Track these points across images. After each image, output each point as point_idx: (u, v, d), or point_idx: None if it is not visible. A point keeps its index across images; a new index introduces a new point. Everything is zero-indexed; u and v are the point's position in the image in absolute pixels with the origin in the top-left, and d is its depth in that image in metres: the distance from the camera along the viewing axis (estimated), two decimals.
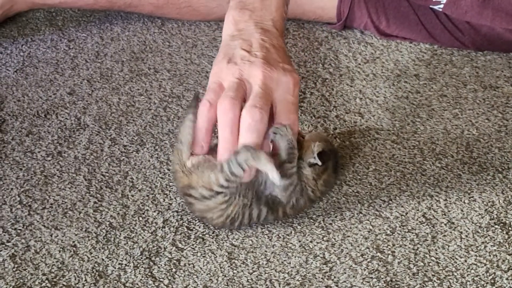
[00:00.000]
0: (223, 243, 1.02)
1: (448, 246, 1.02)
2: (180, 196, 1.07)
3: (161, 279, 0.97)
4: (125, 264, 1.00)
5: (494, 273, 0.98)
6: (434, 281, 0.97)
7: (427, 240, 1.03)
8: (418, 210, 1.07)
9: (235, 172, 0.96)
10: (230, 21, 1.06)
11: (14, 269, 0.99)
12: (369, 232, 1.04)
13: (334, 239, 1.03)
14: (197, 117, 0.99)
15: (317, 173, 1.02)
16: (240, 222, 1.02)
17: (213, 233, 1.04)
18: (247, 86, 0.98)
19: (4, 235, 1.04)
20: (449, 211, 1.07)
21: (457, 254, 1.01)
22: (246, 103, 0.97)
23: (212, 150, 1.01)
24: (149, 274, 0.98)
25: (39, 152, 1.19)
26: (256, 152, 0.95)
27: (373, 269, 0.99)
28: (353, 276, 0.98)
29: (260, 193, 1.00)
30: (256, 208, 1.01)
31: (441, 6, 1.39)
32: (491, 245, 1.02)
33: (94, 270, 0.99)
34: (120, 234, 1.04)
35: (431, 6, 1.40)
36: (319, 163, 1.01)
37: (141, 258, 1.00)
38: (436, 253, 1.01)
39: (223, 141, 0.97)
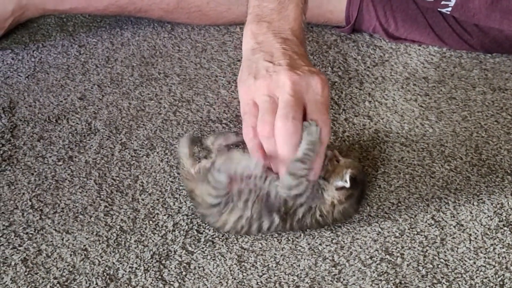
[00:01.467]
0: (233, 246, 1.03)
1: (457, 248, 1.02)
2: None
3: (171, 282, 0.98)
4: (136, 268, 1.00)
5: (503, 275, 0.98)
6: (443, 283, 0.97)
7: (436, 242, 1.03)
8: (427, 212, 1.08)
9: (219, 179, 0.98)
10: (248, 35, 1.06)
11: (26, 273, 1.00)
12: (378, 234, 1.04)
13: (343, 241, 1.03)
14: (247, 144, 1.00)
15: (340, 199, 1.01)
16: (247, 233, 1.03)
17: (222, 236, 1.04)
18: (278, 98, 0.98)
19: (16, 239, 1.05)
20: (458, 213, 1.07)
21: (466, 256, 1.01)
22: (278, 110, 0.97)
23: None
24: (159, 277, 0.99)
25: (50, 157, 1.20)
26: (229, 154, 0.98)
27: (382, 272, 0.99)
28: (362, 278, 0.98)
29: (271, 205, 1.00)
30: (267, 220, 1.01)
31: (449, 9, 1.39)
32: (500, 247, 1.02)
33: (105, 273, 1.00)
34: (131, 237, 1.05)
35: (439, 9, 1.40)
36: (348, 185, 1.00)
37: (152, 261, 1.01)
38: (445, 255, 1.01)
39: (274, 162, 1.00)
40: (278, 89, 0.98)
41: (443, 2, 1.39)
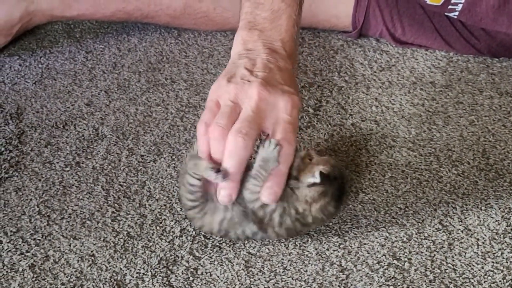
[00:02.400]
0: (240, 251, 1.03)
1: (465, 253, 1.02)
2: None
3: None
4: (143, 273, 1.00)
5: None
6: None
7: (444, 247, 1.03)
8: (434, 217, 1.07)
9: (191, 182, 0.99)
10: (239, 41, 1.05)
11: (33, 279, 1.00)
12: (385, 239, 1.04)
13: (351, 246, 1.03)
14: (197, 138, 0.99)
15: (313, 196, 0.98)
16: (236, 237, 1.02)
17: (230, 241, 1.04)
18: (241, 108, 0.98)
19: (23, 245, 1.05)
20: (465, 218, 1.07)
21: (474, 261, 1.00)
22: (234, 124, 0.96)
23: None
24: (167, 283, 0.99)
25: (57, 162, 1.20)
26: (198, 159, 0.97)
27: (389, 277, 0.99)
28: (370, 283, 0.98)
29: (246, 209, 0.99)
30: (248, 226, 1.00)
31: (456, 13, 1.39)
32: (508, 252, 1.02)
33: (112, 279, 1.00)
34: (138, 243, 1.05)
35: (446, 14, 1.40)
36: (318, 181, 0.97)
37: (159, 267, 1.01)
38: (453, 260, 1.01)
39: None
40: (244, 100, 0.98)
41: (450, 7, 1.39)
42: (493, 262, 1.00)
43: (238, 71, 1.01)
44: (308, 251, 1.03)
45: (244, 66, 1.01)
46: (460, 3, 1.37)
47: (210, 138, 0.97)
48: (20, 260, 1.03)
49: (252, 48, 1.04)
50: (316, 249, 1.03)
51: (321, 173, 0.97)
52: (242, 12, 1.09)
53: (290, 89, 1.00)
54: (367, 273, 0.99)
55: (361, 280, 0.98)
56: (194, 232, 1.06)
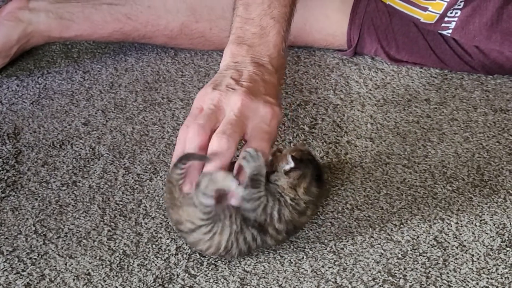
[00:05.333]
0: (236, 269, 1.03)
1: (460, 269, 1.02)
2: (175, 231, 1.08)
3: None
4: None
5: None
6: None
7: (439, 263, 1.03)
8: (429, 233, 1.08)
9: (205, 203, 0.99)
10: (228, 54, 1.10)
11: None
12: (380, 256, 1.04)
13: (346, 263, 1.04)
14: (177, 142, 1.02)
15: (293, 181, 1.01)
16: (239, 250, 1.01)
17: (225, 259, 1.04)
18: (223, 112, 1.02)
19: (19, 264, 1.05)
20: (460, 234, 1.07)
21: (469, 277, 1.01)
22: (219, 127, 1.00)
23: None
24: None
25: (54, 182, 1.20)
26: (212, 175, 0.98)
27: None
28: None
29: (247, 219, 1.00)
30: (248, 231, 1.00)
31: (450, 31, 1.40)
32: (503, 268, 1.02)
33: None
34: (134, 261, 1.05)
35: (440, 31, 1.41)
36: (292, 164, 1.01)
37: (154, 285, 1.01)
38: (448, 276, 1.01)
39: (192, 167, 1.01)
40: (227, 105, 1.02)
41: (443, 25, 1.40)
42: (488, 278, 1.00)
43: (224, 80, 1.05)
44: (303, 268, 1.03)
45: (230, 76, 1.05)
46: (453, 21, 1.39)
47: (187, 138, 1.00)
48: (16, 280, 1.03)
49: (239, 61, 1.08)
50: (311, 266, 1.03)
51: (292, 157, 1.01)
52: (232, 26, 1.12)
53: (272, 100, 1.04)
54: None
55: None
56: (189, 250, 1.06)
